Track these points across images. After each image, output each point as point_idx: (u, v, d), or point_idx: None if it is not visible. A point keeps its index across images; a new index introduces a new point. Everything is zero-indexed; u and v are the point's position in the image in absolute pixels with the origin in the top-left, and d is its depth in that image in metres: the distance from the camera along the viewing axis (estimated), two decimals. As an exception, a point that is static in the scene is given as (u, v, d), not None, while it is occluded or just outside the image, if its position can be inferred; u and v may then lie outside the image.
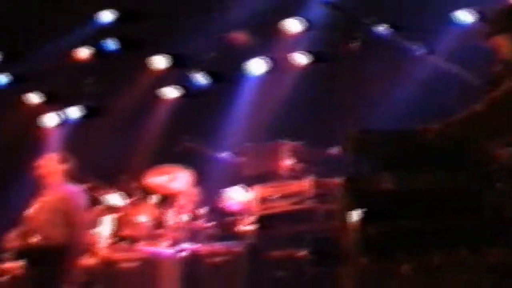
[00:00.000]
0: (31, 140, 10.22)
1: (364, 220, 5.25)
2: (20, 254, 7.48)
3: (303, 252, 7.28)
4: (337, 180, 7.06)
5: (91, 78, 10.37)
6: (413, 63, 8.16)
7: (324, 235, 7.20)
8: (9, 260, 7.75)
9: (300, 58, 9.63)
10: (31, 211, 7.50)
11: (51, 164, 7.54)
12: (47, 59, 10.21)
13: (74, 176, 7.64)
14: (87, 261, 8.47)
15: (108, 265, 8.25)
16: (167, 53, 9.96)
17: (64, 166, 7.50)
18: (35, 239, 7.33)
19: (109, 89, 10.26)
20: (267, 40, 9.78)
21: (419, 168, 5.23)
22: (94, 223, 8.73)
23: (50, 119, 10.83)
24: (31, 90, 10.75)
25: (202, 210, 8.68)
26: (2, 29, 10.23)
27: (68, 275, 7.48)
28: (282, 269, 7.41)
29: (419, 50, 7.07)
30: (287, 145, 8.35)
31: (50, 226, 7.27)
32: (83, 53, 10.34)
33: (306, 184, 7.75)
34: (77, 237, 7.45)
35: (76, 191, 7.50)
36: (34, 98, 10.70)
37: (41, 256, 7.27)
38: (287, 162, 8.29)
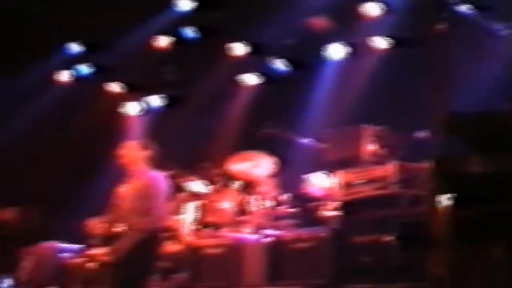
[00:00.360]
0: (114, 129, 10.35)
1: (454, 204, 5.19)
2: (106, 241, 7.56)
3: (388, 237, 7.20)
4: (423, 164, 7.02)
5: (171, 66, 10.45)
6: (497, 42, 8.00)
7: (409, 220, 7.12)
8: (95, 246, 7.85)
9: (380, 42, 9.53)
10: (116, 198, 7.57)
11: (132, 152, 7.55)
12: (127, 49, 10.33)
13: (156, 163, 7.68)
14: (172, 247, 8.62)
15: (193, 251, 8.34)
16: (246, 40, 9.97)
17: (145, 153, 7.51)
18: (120, 226, 7.39)
19: (189, 77, 10.35)
20: (347, 24, 9.69)
21: (509, 150, 5.15)
22: (178, 210, 8.91)
23: (132, 108, 10.99)
24: (112, 80, 10.92)
25: (285, 196, 8.68)
26: (83, 21, 10.40)
27: (153, 261, 7.54)
28: (367, 254, 7.33)
29: (503, 29, 6.94)
30: (370, 129, 8.27)
31: (135, 213, 7.31)
32: (163, 41, 10.44)
33: (390, 169, 7.65)
34: (160, 223, 7.48)
35: (159, 177, 7.52)
36: (115, 87, 10.84)
37: (128, 242, 7.32)
38: (370, 147, 8.21)
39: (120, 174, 7.67)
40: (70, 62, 11.12)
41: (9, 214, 10.90)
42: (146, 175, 7.36)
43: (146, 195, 7.20)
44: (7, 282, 9.81)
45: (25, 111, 11.00)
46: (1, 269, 9.98)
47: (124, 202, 7.31)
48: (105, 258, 7.37)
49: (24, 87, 10.88)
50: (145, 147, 7.49)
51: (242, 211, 8.71)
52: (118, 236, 7.15)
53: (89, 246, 7.87)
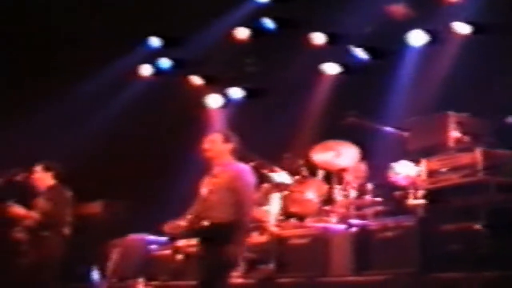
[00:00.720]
0: (197, 122, 10.47)
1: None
2: (193, 233, 7.62)
3: (476, 225, 7.10)
4: (510, 151, 6.92)
5: (251, 58, 10.50)
6: None
7: (498, 207, 7.02)
8: (183, 238, 7.95)
9: (462, 28, 9.39)
10: (202, 191, 7.63)
11: (216, 145, 7.60)
12: (207, 41, 10.44)
13: (239, 155, 7.72)
14: (258, 238, 8.68)
15: (279, 242, 8.32)
16: (324, 30, 9.96)
17: (228, 146, 7.55)
18: (207, 218, 7.46)
19: (270, 68, 10.39)
20: (427, 10, 9.58)
21: None
22: (262, 201, 8.95)
23: (214, 101, 11.10)
24: (193, 73, 11.05)
25: (370, 185, 8.65)
26: (160, 16, 10.55)
27: (239, 252, 7.59)
28: (455, 242, 7.24)
29: None
30: (454, 116, 8.16)
31: (222, 205, 7.35)
32: (242, 33, 10.50)
33: (476, 155, 7.54)
34: (247, 215, 7.52)
35: (245, 169, 7.54)
36: (196, 80, 10.93)
37: (213, 234, 7.38)
38: (455, 134, 8.11)
39: (205, 167, 7.73)
40: (151, 56, 11.32)
41: (96, 208, 11.18)
42: (232, 167, 7.37)
43: (233, 188, 7.22)
44: (96, 274, 10.06)
45: (109, 106, 11.24)
46: (90, 261, 10.23)
47: (210, 194, 7.35)
48: (191, 250, 7.47)
49: (107, 82, 11.12)
50: (228, 140, 7.52)
51: (327, 201, 8.72)
52: (204, 229, 7.21)
53: (176, 238, 7.96)
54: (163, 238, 8.92)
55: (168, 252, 8.65)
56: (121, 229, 10.20)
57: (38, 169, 8.84)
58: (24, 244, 8.72)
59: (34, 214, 8.65)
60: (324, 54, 10.19)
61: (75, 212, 11.04)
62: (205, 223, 7.14)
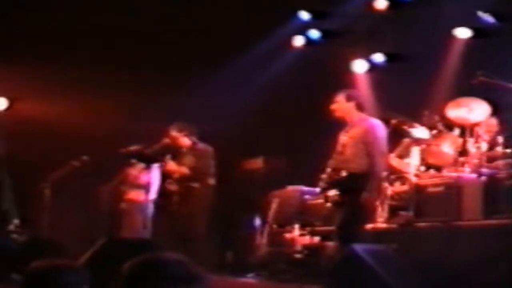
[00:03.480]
0: (344, 85, 10.72)
1: None
2: (333, 184, 7.91)
3: None
4: None
5: (389, 27, 10.64)
6: None
7: None
8: (325, 190, 8.24)
9: None
10: (338, 147, 7.90)
11: (340, 104, 7.79)
12: (350, 13, 10.64)
13: (364, 110, 7.83)
14: (399, 188, 8.89)
15: (417, 190, 8.45)
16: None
17: (352, 103, 7.72)
18: (344, 170, 7.71)
19: (406, 35, 10.49)
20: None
21: None
22: (404, 154, 9.11)
23: (359, 66, 11.36)
24: (339, 42, 11.32)
25: (500, 138, 8.64)
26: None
27: (374, 199, 7.80)
28: None
29: None
30: None
31: (356, 157, 7.61)
32: (381, 4, 10.71)
33: None
34: (379, 165, 7.71)
35: (375, 123, 7.72)
36: (343, 49, 11.19)
37: (350, 184, 7.65)
38: None
39: (338, 126, 7.98)
40: (302, 28, 11.65)
41: (258, 163, 11.71)
42: (363, 122, 7.62)
43: (365, 141, 7.49)
44: (257, 221, 10.58)
45: (267, 72, 11.66)
46: (252, 210, 10.77)
47: (345, 148, 7.65)
48: (336, 199, 7.82)
49: (264, 51, 11.54)
50: (350, 98, 7.70)
51: (461, 153, 8.70)
52: (342, 179, 7.54)
53: (324, 189, 8.29)
54: (317, 189, 9.28)
55: (320, 201, 8.98)
56: (279, 181, 10.59)
57: (173, 131, 9.37)
58: (176, 195, 9.33)
59: (184, 169, 9.21)
60: (455, 19, 10.19)
61: (241, 167, 11.77)
62: (343, 173, 7.46)
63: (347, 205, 7.48)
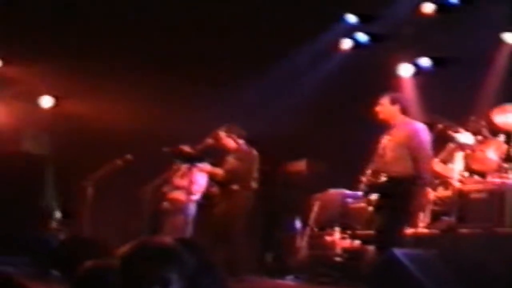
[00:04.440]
0: (390, 89, 10.71)
1: None
2: (373, 188, 7.91)
3: None
4: None
5: (436, 30, 10.65)
6: None
7: None
8: (368, 193, 8.25)
9: None
10: (380, 149, 7.88)
11: (385, 107, 7.77)
12: (397, 17, 10.66)
13: (408, 114, 7.82)
14: (443, 193, 8.90)
15: (460, 196, 8.43)
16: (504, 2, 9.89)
17: (396, 106, 7.68)
18: (385, 173, 7.69)
19: (454, 39, 10.44)
20: None
21: None
22: (448, 159, 9.09)
23: (405, 70, 11.38)
24: (386, 45, 11.38)
25: None
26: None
27: (416, 204, 7.76)
28: None
29: None
30: None
31: (398, 161, 7.58)
32: (428, 8, 10.70)
33: None
34: (422, 170, 7.66)
35: (420, 127, 7.68)
36: (389, 53, 11.27)
37: (390, 188, 7.62)
38: None
39: (381, 128, 7.96)
40: (349, 31, 11.74)
41: (300, 166, 11.77)
42: (407, 126, 7.58)
43: (408, 145, 7.46)
44: (298, 223, 10.61)
45: (313, 75, 11.73)
46: (294, 212, 10.80)
47: (387, 151, 7.64)
48: (378, 203, 7.82)
49: (310, 54, 11.63)
50: (395, 101, 7.67)
51: (505, 159, 8.68)
52: (383, 183, 7.52)
53: (367, 193, 8.30)
54: (359, 193, 9.24)
55: (362, 204, 9.08)
56: (322, 184, 10.61)
57: (222, 133, 9.45)
58: (216, 197, 9.41)
59: (219, 171, 9.29)
60: (504, 24, 10.14)
61: (283, 170, 11.79)
62: (383, 178, 7.44)
63: (387, 209, 7.45)
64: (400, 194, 7.38)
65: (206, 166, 9.61)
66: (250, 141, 9.65)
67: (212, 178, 9.76)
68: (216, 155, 9.69)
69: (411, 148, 7.46)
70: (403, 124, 7.63)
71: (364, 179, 7.76)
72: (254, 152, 9.53)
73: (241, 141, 9.57)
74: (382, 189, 7.60)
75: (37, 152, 12.08)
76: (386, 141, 7.75)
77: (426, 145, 7.56)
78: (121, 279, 3.32)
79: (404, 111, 7.71)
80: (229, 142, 9.57)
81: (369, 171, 7.74)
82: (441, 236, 8.30)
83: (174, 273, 2.96)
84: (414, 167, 7.42)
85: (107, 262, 3.55)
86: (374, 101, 8.02)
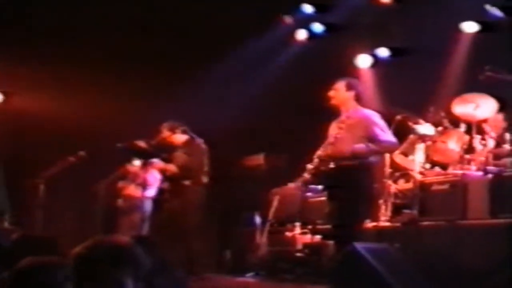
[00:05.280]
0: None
1: None
2: (320, 177, 7.64)
3: None
4: None
5: (395, 20, 10.65)
6: None
7: None
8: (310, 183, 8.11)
9: None
10: (329, 136, 7.71)
11: (339, 93, 7.62)
12: (353, 6, 10.66)
13: (362, 101, 7.72)
14: (403, 185, 8.87)
15: (422, 188, 8.40)
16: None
17: (351, 93, 7.56)
18: (332, 163, 7.48)
19: (412, 28, 10.47)
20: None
21: None
22: (409, 151, 9.08)
23: (362, 60, 11.34)
24: (343, 35, 11.29)
25: (507, 136, 8.59)
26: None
27: (365, 195, 7.60)
28: None
29: None
30: None
31: (346, 147, 7.41)
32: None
33: None
34: (373, 159, 7.53)
35: (371, 112, 7.54)
36: (346, 42, 11.21)
37: (340, 177, 7.38)
38: None
39: (333, 115, 7.84)
40: (305, 21, 11.65)
41: (258, 160, 11.69)
42: (359, 113, 7.43)
43: (360, 131, 7.28)
44: (257, 219, 10.52)
45: (268, 66, 11.64)
46: (253, 208, 10.70)
47: (337, 140, 7.44)
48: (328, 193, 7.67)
49: (268, 44, 11.53)
50: (351, 87, 7.53)
51: (467, 150, 8.66)
52: (331, 172, 7.32)
53: (307, 182, 7.98)
54: (318, 187, 9.18)
55: (322, 199, 8.85)
56: (280, 179, 10.48)
57: (165, 130, 9.34)
58: (167, 193, 9.29)
59: (172, 167, 9.19)
60: (462, 13, 10.13)
61: (241, 164, 11.72)
62: (331, 165, 7.22)
63: (342, 201, 7.24)
64: (352, 184, 7.15)
65: (159, 162, 9.49)
66: (196, 135, 9.51)
67: (163, 174, 9.64)
68: (167, 151, 9.58)
69: (366, 133, 7.26)
70: (355, 112, 7.44)
71: (310, 166, 7.51)
72: (203, 145, 9.41)
73: (186, 136, 9.44)
74: (331, 178, 7.37)
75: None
76: (335, 128, 7.54)
77: (382, 128, 7.36)
78: (73, 279, 3.24)
79: (359, 99, 7.53)
80: (175, 137, 9.44)
81: (316, 159, 7.50)
82: (403, 230, 8.27)
83: (128, 275, 2.91)
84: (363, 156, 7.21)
85: (51, 259, 3.46)
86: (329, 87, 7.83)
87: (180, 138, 9.46)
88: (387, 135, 7.37)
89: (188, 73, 11.26)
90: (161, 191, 9.97)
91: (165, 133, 9.43)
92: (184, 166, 9.22)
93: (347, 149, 7.19)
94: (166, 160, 9.48)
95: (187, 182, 9.18)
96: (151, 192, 10.43)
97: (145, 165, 9.62)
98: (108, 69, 11.35)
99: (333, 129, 7.53)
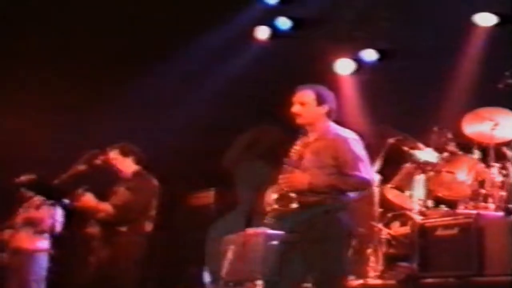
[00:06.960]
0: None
1: None
2: (282, 220, 7.26)
3: None
4: None
5: (382, 14, 10.66)
6: None
7: None
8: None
9: None
10: (288, 166, 7.47)
11: (308, 108, 7.31)
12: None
13: (333, 117, 7.58)
14: (398, 230, 8.90)
15: (423, 234, 8.28)
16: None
17: (324, 108, 7.27)
18: (295, 201, 7.19)
19: (407, 23, 10.39)
20: None
21: None
22: (404, 185, 9.02)
23: (343, 66, 11.30)
24: (315, 33, 11.25)
25: None
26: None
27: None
28: None
29: None
30: None
31: (317, 182, 7.21)
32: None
33: None
34: (349, 189, 7.19)
35: (348, 136, 7.29)
36: (320, 42, 11.10)
37: (308, 220, 7.17)
38: None
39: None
40: (267, 15, 11.63)
41: (207, 197, 11.64)
42: (331, 133, 7.18)
43: (331, 159, 7.06)
44: (207, 276, 10.28)
45: (220, 75, 11.64)
46: (201, 261, 10.48)
47: (304, 165, 7.21)
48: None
49: (218, 45, 11.48)
50: (323, 100, 7.27)
51: (482, 183, 8.60)
52: (294, 213, 7.09)
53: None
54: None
55: None
56: (237, 222, 10.40)
57: (114, 153, 9.04)
58: (96, 240, 8.92)
59: (107, 206, 8.84)
60: (474, 3, 10.05)
61: (187, 203, 11.57)
62: (294, 205, 6.93)
63: (315, 253, 6.94)
64: (323, 228, 6.85)
65: (89, 198, 9.15)
66: (149, 167, 9.17)
67: (93, 215, 9.31)
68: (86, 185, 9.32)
69: (335, 160, 6.98)
70: (326, 132, 7.14)
71: (268, 208, 7.21)
72: (154, 182, 9.09)
73: (137, 167, 9.13)
74: (296, 222, 7.07)
75: None
76: (300, 153, 7.24)
77: (357, 157, 7.10)
78: None
79: (331, 115, 7.29)
80: (125, 164, 9.14)
81: (273, 196, 7.19)
82: (399, 288, 8.23)
83: None
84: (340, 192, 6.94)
85: None
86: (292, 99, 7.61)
87: (129, 166, 9.14)
88: (363, 167, 7.10)
89: (119, 82, 11.25)
90: (84, 238, 9.66)
91: (115, 155, 9.11)
92: (123, 206, 8.89)
93: (313, 181, 6.93)
94: (99, 196, 9.17)
95: (123, 229, 8.84)
96: (47, 241, 10.34)
97: (49, 206, 9.38)
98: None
99: (295, 154, 7.25)
